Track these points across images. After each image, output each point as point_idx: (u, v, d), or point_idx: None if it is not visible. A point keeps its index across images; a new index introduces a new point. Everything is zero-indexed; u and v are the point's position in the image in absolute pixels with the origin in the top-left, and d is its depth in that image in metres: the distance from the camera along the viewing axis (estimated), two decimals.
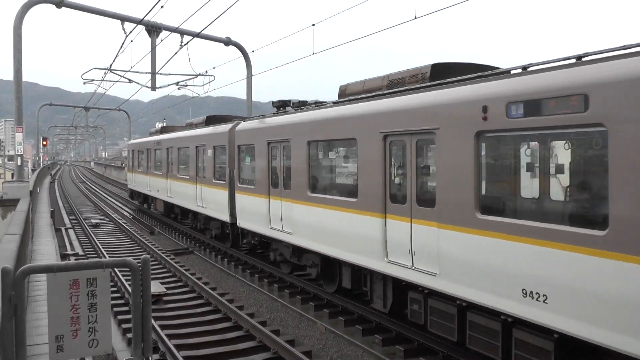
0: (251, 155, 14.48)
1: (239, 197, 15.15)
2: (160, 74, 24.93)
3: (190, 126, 22.04)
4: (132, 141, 35.49)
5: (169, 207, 24.19)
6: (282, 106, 14.17)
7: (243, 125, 15.33)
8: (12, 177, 29.65)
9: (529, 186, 7.26)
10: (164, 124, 34.84)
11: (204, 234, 19.94)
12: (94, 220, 25.25)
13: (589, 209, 6.35)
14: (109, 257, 16.54)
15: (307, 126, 11.56)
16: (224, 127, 16.77)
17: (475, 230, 7.16)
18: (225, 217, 16.30)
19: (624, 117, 5.48)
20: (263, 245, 15.01)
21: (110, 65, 25.23)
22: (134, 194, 31.88)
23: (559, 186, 6.88)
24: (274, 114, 14.02)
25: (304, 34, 18.75)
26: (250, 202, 14.20)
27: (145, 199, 29.17)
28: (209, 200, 17.67)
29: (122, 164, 76.09)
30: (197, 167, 18.92)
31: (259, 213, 13.63)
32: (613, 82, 5.63)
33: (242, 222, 15.08)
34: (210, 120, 19.95)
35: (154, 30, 23.08)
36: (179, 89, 28.19)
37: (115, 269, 13.30)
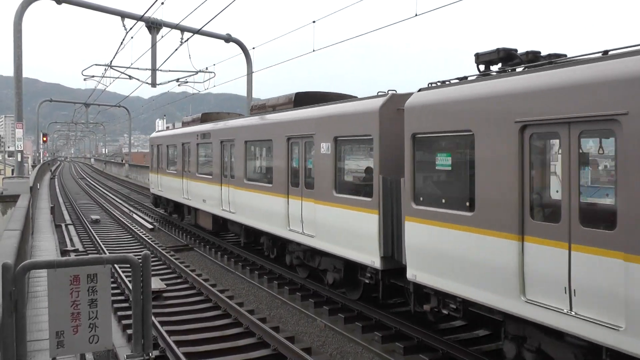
0: (457, 151, 8.36)
1: (417, 229, 8.66)
2: (161, 70, 24.94)
3: (262, 109, 15.18)
4: (157, 133, 27.39)
5: (221, 224, 18.05)
6: (502, 60, 7.99)
7: (427, 96, 8.61)
8: (12, 173, 29.63)
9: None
10: (165, 121, 34.61)
11: (294, 271, 13.68)
12: (94, 217, 25.26)
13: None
14: (109, 253, 16.55)
15: None
16: (369, 104, 10.19)
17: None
18: (371, 257, 9.87)
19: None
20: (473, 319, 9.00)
21: (111, 61, 25.23)
22: (159, 200, 25.37)
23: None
24: (511, 70, 7.56)
25: (305, 31, 18.80)
26: (453, 240, 7.92)
27: (177, 208, 22.94)
28: (325, 226, 11.33)
29: (122, 161, 76.16)
30: (289, 171, 12.82)
31: (485, 265, 7.38)
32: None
33: (422, 275, 8.59)
34: (302, 101, 13.38)
35: (154, 26, 23.07)
36: (179, 85, 28.22)
37: (116, 265, 13.32)
